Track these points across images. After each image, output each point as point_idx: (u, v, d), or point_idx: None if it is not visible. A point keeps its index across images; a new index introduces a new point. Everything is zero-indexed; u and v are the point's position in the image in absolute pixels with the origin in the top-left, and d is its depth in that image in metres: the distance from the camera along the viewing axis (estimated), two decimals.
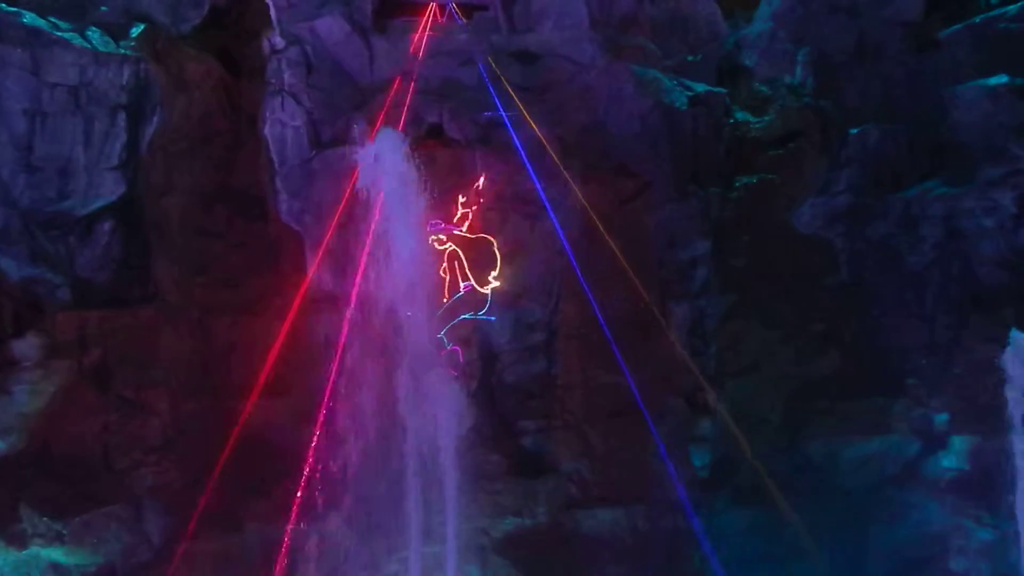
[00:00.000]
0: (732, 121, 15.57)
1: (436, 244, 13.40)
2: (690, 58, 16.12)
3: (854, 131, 15.03)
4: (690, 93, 15.17)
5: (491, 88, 14.26)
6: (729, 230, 14.77)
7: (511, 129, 14.07)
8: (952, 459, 13.25)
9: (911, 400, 13.78)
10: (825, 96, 15.66)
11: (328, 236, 13.43)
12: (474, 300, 13.51)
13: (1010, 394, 12.10)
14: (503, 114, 14.19)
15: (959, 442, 13.24)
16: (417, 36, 14.49)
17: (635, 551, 12.90)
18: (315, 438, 12.29)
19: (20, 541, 11.88)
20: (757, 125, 15.62)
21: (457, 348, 13.16)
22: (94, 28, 13.69)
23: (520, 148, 14.08)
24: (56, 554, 12.05)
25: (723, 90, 15.70)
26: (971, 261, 14.05)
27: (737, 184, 15.11)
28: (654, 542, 12.89)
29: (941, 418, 13.50)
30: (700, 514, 13.37)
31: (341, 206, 13.17)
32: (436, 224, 13.35)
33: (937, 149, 14.83)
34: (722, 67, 16.37)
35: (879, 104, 15.49)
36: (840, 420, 13.75)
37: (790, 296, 14.47)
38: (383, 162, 12.49)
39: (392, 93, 14.15)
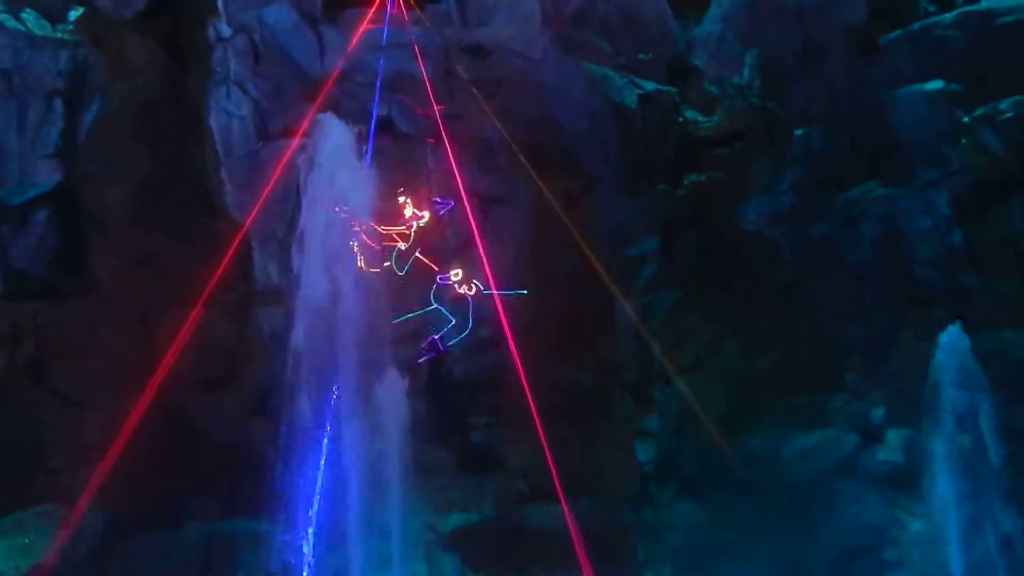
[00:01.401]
0: (681, 120, 15.71)
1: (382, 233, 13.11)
2: (641, 56, 16.20)
3: (798, 132, 15.29)
4: (640, 91, 15.28)
5: (443, 82, 14.17)
6: (677, 227, 14.93)
7: (462, 124, 14.02)
8: (887, 452, 13.60)
9: (849, 395, 14.07)
10: (771, 97, 15.88)
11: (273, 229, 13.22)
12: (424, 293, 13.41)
13: (941, 390, 12.49)
14: (454, 109, 14.12)
15: (894, 436, 13.56)
16: (369, 27, 14.32)
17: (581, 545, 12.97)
18: (259, 434, 12.11)
19: None
20: (706, 124, 15.77)
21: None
22: (29, 10, 13.27)
23: (471, 143, 14.04)
24: None
25: (673, 89, 15.85)
26: (908, 260, 14.40)
27: (686, 182, 15.27)
28: (600, 536, 12.97)
29: (878, 412, 13.81)
30: (646, 508, 13.56)
31: (284, 198, 12.95)
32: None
33: (878, 151, 15.15)
34: (672, 66, 16.49)
35: (823, 106, 15.73)
36: (781, 415, 13.99)
37: (736, 293, 14.68)
38: (329, 152, 12.33)
39: (342, 85, 13.96)
